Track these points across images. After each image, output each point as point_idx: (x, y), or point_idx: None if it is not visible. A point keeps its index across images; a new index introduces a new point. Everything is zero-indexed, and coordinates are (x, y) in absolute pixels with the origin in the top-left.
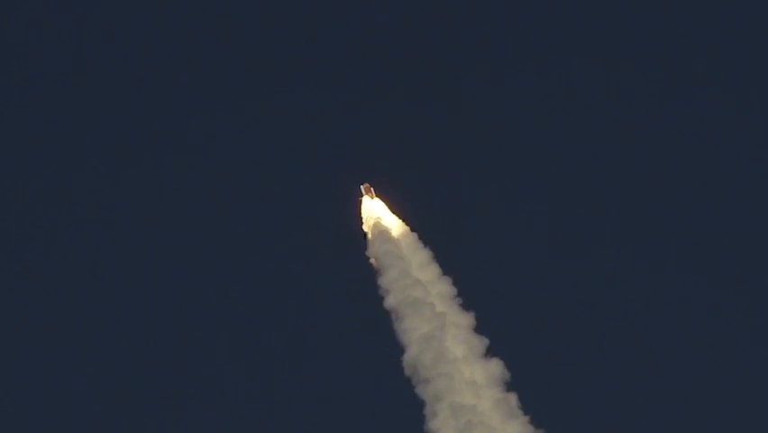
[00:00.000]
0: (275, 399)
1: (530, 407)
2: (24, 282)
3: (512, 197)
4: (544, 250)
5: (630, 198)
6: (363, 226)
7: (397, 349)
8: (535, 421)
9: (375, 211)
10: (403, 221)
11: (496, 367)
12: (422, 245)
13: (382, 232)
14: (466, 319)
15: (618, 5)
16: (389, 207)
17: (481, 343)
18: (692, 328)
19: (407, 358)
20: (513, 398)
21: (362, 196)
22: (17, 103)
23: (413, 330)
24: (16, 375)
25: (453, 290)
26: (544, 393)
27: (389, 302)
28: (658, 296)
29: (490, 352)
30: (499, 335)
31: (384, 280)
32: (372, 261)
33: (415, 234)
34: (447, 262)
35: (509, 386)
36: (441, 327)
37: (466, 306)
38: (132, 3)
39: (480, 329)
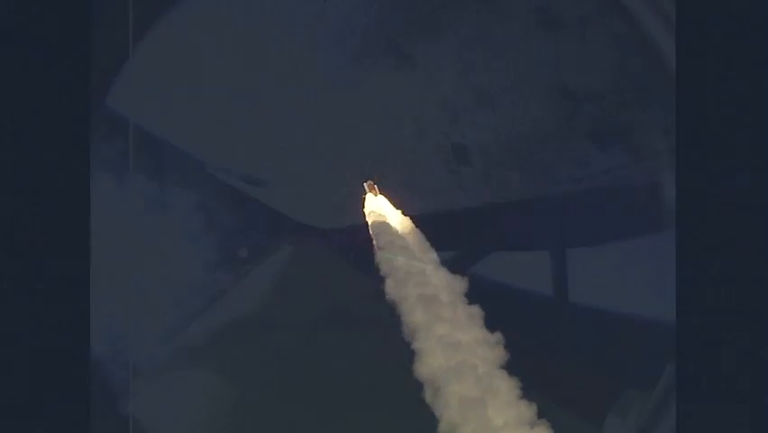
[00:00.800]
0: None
1: None
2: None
3: (514, 195)
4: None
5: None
6: (367, 222)
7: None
8: None
9: (378, 208)
10: (407, 218)
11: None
12: (427, 242)
13: (386, 230)
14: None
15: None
16: (393, 204)
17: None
18: None
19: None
20: None
21: (366, 193)
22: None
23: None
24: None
25: (462, 284)
26: None
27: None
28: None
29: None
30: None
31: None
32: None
33: (419, 232)
34: (450, 258)
35: None
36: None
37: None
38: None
39: (488, 324)
